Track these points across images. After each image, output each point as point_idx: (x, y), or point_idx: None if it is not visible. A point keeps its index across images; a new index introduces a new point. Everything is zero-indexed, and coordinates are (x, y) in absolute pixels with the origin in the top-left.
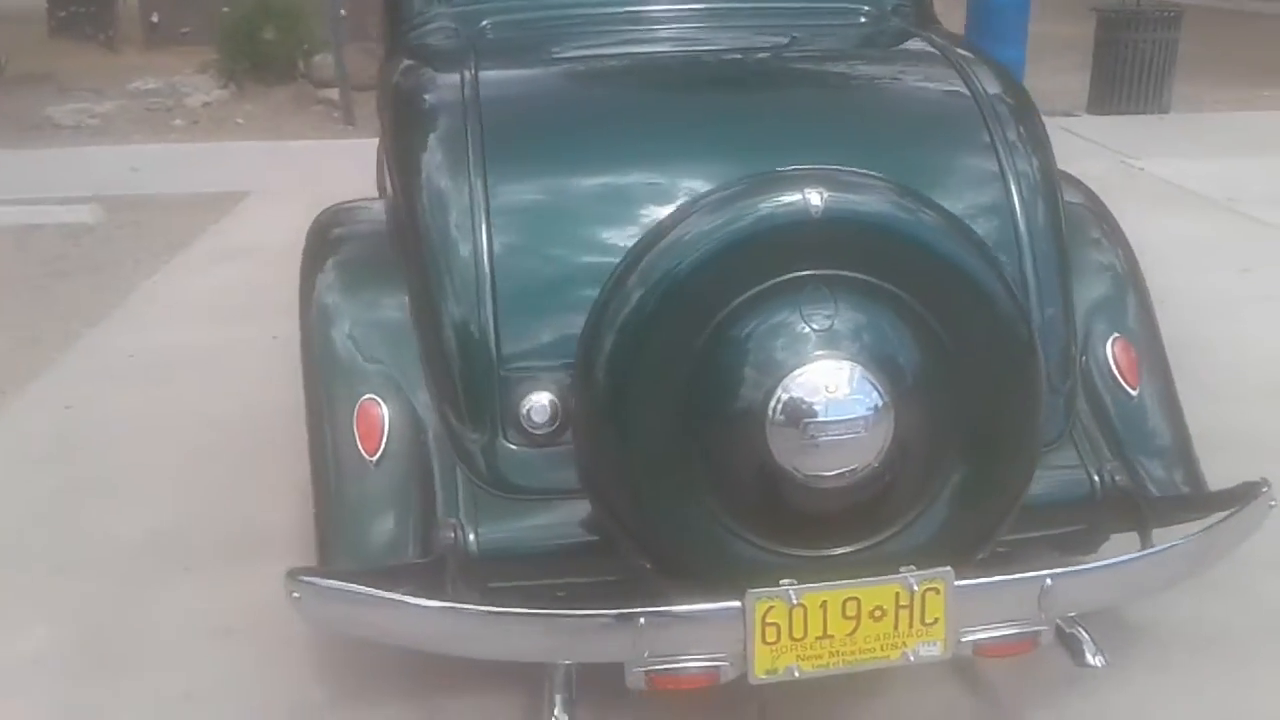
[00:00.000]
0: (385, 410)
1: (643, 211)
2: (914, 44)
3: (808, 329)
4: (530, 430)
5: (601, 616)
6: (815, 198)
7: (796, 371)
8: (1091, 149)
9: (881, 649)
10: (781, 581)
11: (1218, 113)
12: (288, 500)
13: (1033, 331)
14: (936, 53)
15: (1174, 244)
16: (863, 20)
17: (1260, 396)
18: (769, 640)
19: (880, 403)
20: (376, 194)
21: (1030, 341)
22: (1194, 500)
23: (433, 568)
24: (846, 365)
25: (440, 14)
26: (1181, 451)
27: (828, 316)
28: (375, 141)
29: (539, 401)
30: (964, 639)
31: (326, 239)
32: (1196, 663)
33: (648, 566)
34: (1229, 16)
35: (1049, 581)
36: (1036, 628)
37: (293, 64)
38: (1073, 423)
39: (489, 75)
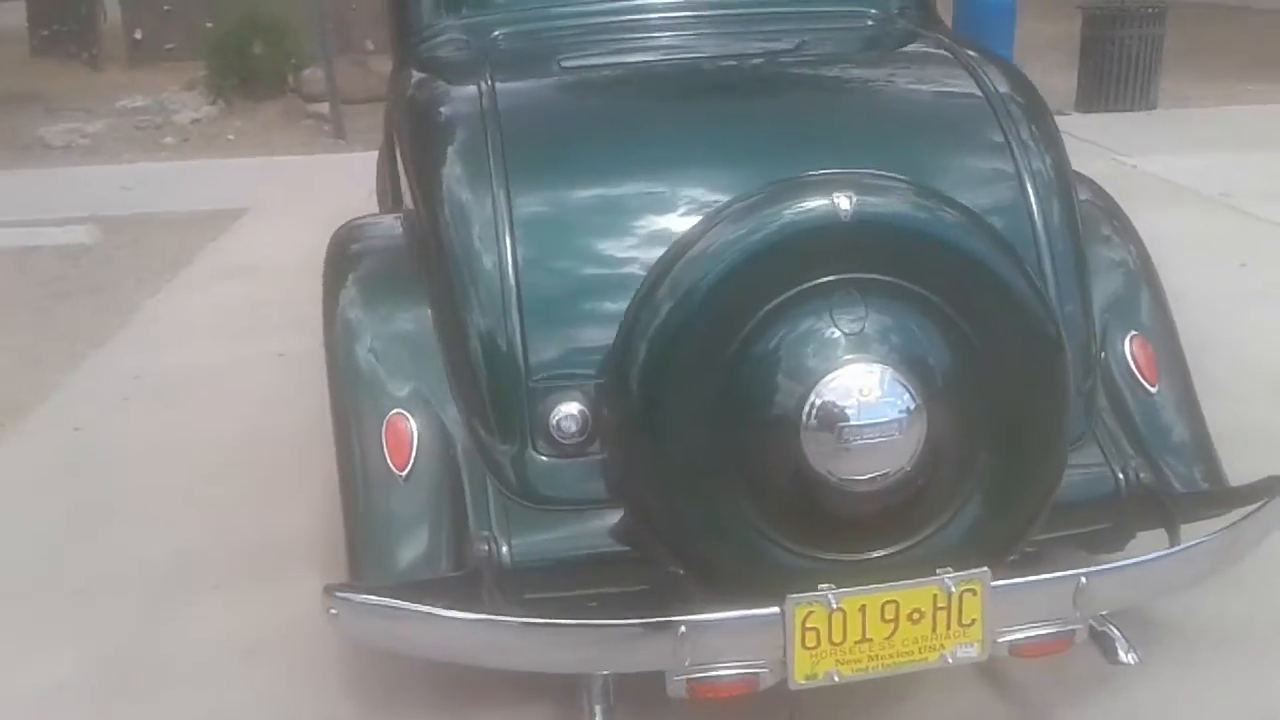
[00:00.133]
0: (413, 424)
1: (665, 218)
2: (923, 45)
3: (839, 333)
4: (560, 440)
5: (643, 625)
6: (844, 202)
7: (829, 376)
8: (1084, 147)
9: (920, 651)
10: (820, 586)
11: (1204, 108)
12: (307, 518)
13: (1060, 330)
14: (946, 53)
15: (1172, 240)
16: (870, 23)
17: (1269, 391)
18: (809, 645)
19: (913, 405)
20: (376, 207)
21: (1058, 340)
22: (1218, 496)
23: (468, 580)
24: (878, 369)
25: (449, 25)
26: (1202, 447)
27: (858, 320)
28: (370, 155)
29: (568, 411)
30: (1000, 639)
31: (346, 254)
32: (1222, 658)
33: (682, 574)
34: (1211, 11)
35: (1084, 580)
36: (1072, 626)
37: (281, 78)
38: (1095, 421)
39: (505, 86)
